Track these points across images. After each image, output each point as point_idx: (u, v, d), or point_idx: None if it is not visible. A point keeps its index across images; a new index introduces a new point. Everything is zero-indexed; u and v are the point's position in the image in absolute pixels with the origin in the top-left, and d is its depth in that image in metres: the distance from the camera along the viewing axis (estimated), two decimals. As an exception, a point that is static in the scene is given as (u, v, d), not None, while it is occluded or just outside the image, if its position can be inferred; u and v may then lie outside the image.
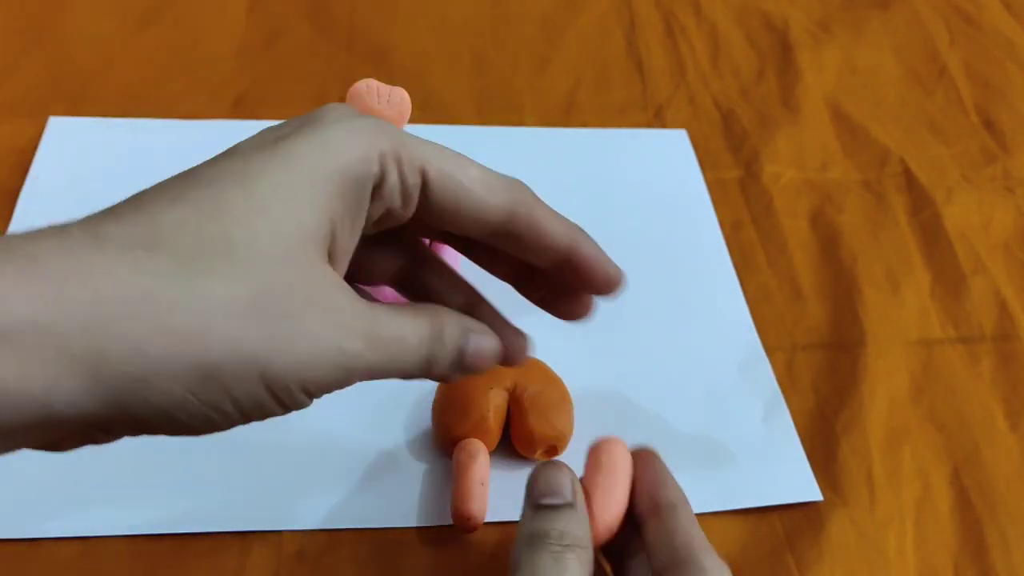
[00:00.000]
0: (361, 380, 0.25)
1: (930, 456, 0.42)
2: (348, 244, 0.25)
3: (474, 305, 0.30)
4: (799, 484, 0.40)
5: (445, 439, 0.39)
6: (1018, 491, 0.41)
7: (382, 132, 0.25)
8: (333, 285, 0.24)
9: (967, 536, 0.39)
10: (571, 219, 0.55)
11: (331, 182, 0.24)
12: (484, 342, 0.28)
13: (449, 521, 0.37)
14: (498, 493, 0.38)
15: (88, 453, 0.38)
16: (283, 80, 0.58)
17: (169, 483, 0.38)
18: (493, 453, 0.39)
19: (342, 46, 0.61)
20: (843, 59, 0.63)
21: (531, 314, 0.46)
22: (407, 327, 0.26)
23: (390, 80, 0.37)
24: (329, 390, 0.25)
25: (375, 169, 0.24)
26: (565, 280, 0.29)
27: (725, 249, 0.50)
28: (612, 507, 0.32)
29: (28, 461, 0.38)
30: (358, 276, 0.28)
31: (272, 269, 0.22)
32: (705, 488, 0.39)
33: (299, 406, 0.24)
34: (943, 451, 0.42)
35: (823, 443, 0.42)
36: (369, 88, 0.37)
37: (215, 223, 0.22)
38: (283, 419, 0.43)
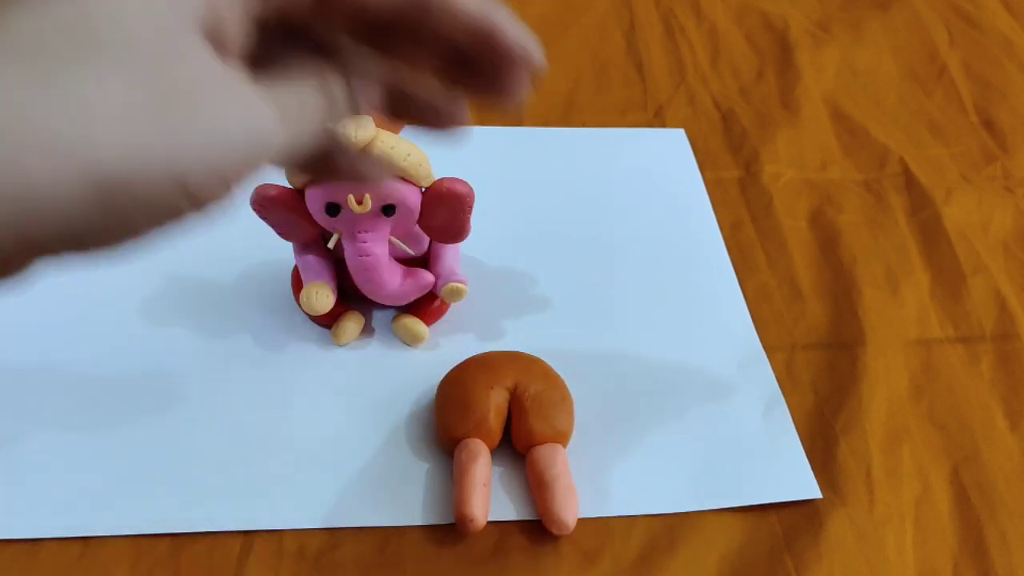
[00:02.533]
0: (276, 158, 0.23)
1: (929, 456, 0.42)
2: (236, 30, 0.23)
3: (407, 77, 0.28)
4: (798, 482, 0.40)
5: (446, 438, 0.39)
6: (1018, 491, 0.41)
7: None
8: (226, 66, 0.22)
9: (967, 536, 0.39)
10: (571, 219, 0.55)
11: None
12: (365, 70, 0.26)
13: (450, 520, 0.37)
14: (498, 492, 0.38)
15: (88, 453, 0.38)
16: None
17: (169, 483, 0.38)
18: (494, 452, 0.39)
19: (342, 46, 0.61)
20: (843, 59, 0.63)
21: (532, 313, 0.46)
22: (301, 89, 0.24)
23: (390, 80, 0.37)
24: (246, 179, 0.22)
25: None
26: (485, 61, 0.27)
27: (724, 249, 0.50)
28: None
29: (28, 461, 0.38)
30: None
31: (155, 59, 0.20)
32: (705, 486, 0.39)
33: (218, 203, 0.22)
34: (942, 451, 0.42)
35: (822, 442, 0.42)
36: (369, 88, 0.37)
37: (82, 23, 0.20)
38: (283, 418, 0.43)
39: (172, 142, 0.20)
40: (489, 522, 0.37)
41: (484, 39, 0.26)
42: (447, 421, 0.39)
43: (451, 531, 0.37)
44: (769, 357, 0.45)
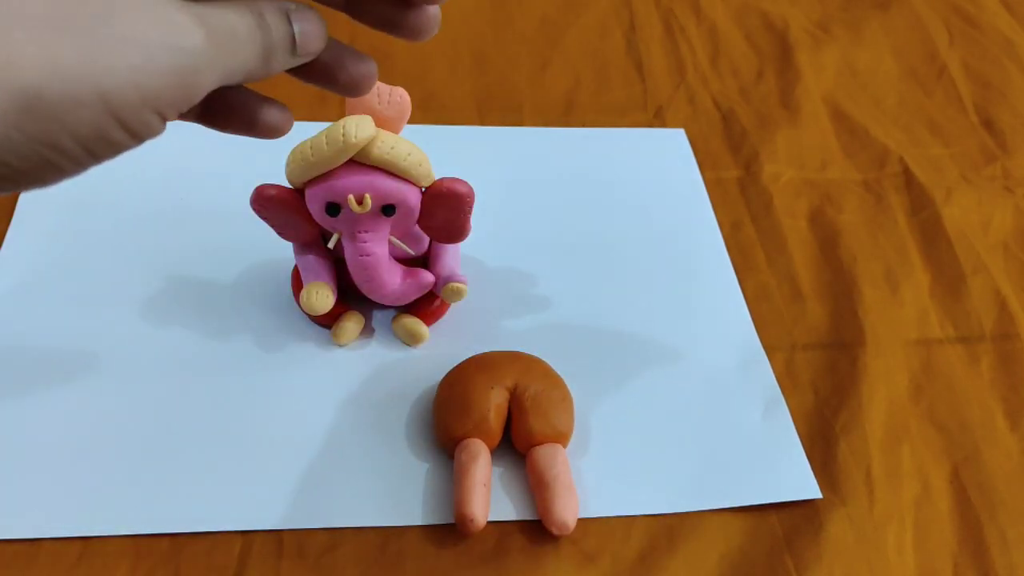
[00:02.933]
0: (208, 86, 0.23)
1: (929, 456, 0.42)
2: None
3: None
4: (798, 482, 0.40)
5: (446, 438, 0.39)
6: (1018, 491, 0.41)
7: None
8: None
9: (967, 536, 0.39)
10: (571, 219, 0.55)
11: None
12: (308, 20, 0.27)
13: (450, 520, 0.37)
14: (498, 492, 0.38)
15: (88, 452, 0.38)
16: (283, 80, 0.58)
17: (169, 483, 0.38)
18: (494, 452, 0.39)
19: (342, 46, 0.61)
20: (843, 59, 0.63)
21: (532, 313, 0.46)
22: (232, 17, 0.23)
23: (390, 80, 0.37)
24: (178, 107, 0.22)
25: None
26: None
27: (724, 249, 0.50)
28: None
29: (28, 460, 0.38)
30: None
31: None
32: (704, 486, 0.39)
33: (151, 131, 0.22)
34: (942, 451, 0.42)
35: (822, 442, 0.42)
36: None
37: None
38: (283, 418, 0.43)
39: (88, 54, 0.19)
40: (489, 522, 0.37)
41: None
42: (447, 421, 0.39)
43: (451, 531, 0.37)
44: (769, 357, 0.45)
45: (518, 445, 0.39)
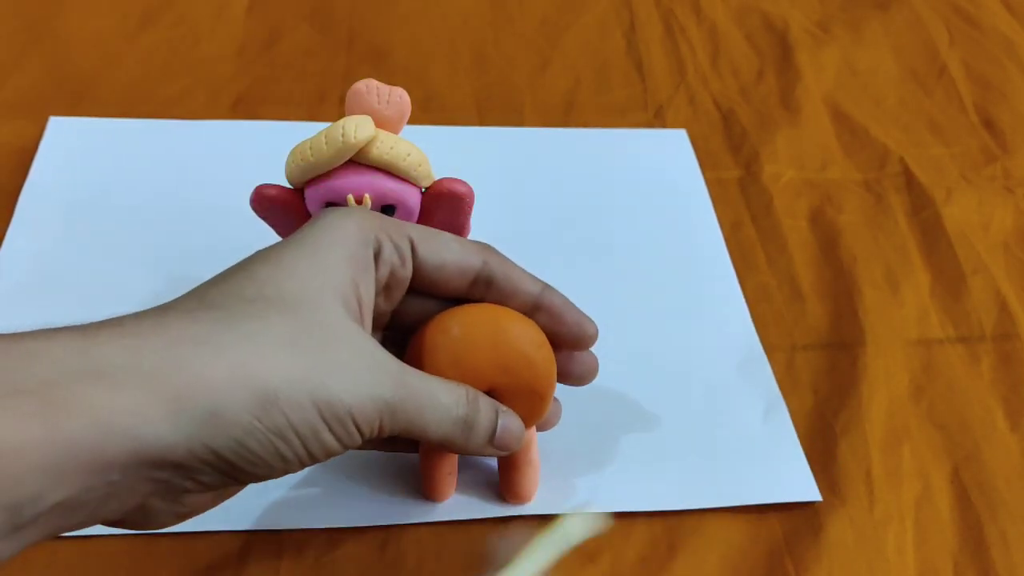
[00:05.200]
0: (402, 429, 0.29)
1: (930, 456, 0.42)
2: (368, 300, 0.30)
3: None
4: (798, 484, 0.40)
5: None
6: (1018, 491, 0.41)
7: (369, 215, 0.31)
8: (361, 331, 0.28)
9: (967, 536, 0.39)
10: (572, 219, 0.55)
11: (343, 248, 0.29)
12: (512, 421, 0.33)
13: (450, 518, 0.37)
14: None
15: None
16: (283, 80, 0.58)
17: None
18: None
19: (342, 46, 0.61)
20: (843, 59, 0.63)
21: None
22: (438, 387, 0.30)
23: (390, 80, 0.37)
24: (374, 429, 0.28)
25: (372, 236, 0.30)
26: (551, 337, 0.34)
27: (725, 249, 0.50)
28: None
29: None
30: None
31: (305, 312, 0.27)
32: (704, 487, 0.39)
33: (352, 441, 0.27)
34: (943, 451, 0.42)
35: (822, 443, 0.42)
36: (369, 88, 0.37)
37: (252, 286, 0.27)
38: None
39: (310, 371, 0.26)
40: (489, 519, 0.37)
41: (545, 316, 0.34)
42: None
43: (451, 531, 0.37)
44: (769, 357, 0.45)
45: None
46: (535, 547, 0.36)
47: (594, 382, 0.42)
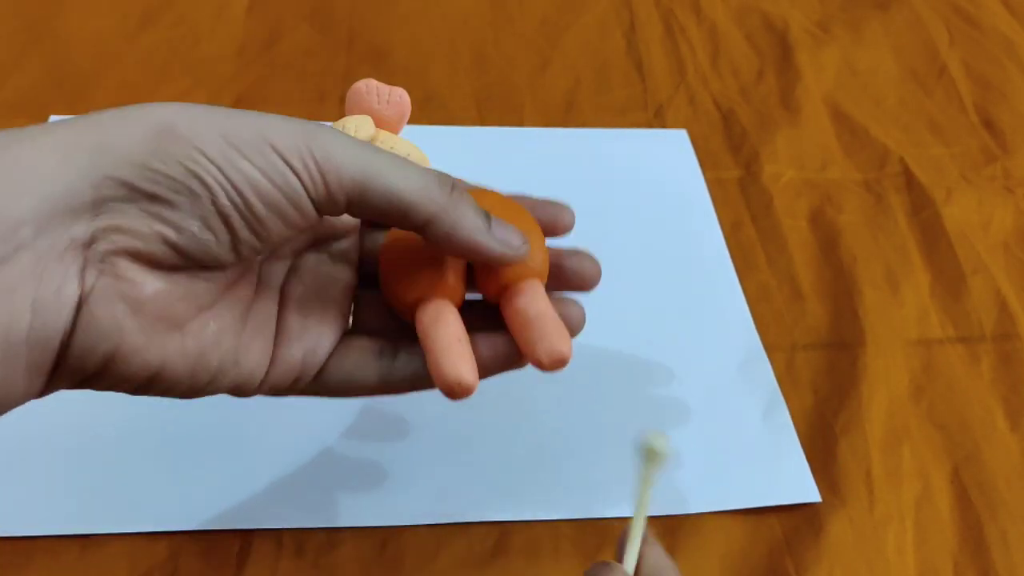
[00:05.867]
0: (355, 185, 0.26)
1: (930, 456, 0.42)
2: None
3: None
4: (798, 485, 0.40)
5: (399, 307, 0.31)
6: (1018, 491, 0.41)
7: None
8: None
9: (967, 536, 0.39)
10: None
11: None
12: (504, 223, 0.30)
13: (450, 520, 0.37)
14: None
15: (87, 450, 0.38)
16: (283, 80, 0.58)
17: (169, 482, 0.38)
18: (461, 311, 0.31)
19: (342, 46, 0.61)
20: (843, 59, 0.63)
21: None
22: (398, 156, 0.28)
23: (390, 80, 0.37)
24: (309, 166, 0.25)
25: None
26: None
27: (725, 249, 0.50)
28: None
29: (26, 458, 0.38)
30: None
31: None
32: (704, 488, 0.39)
33: (286, 181, 0.25)
34: (943, 451, 0.42)
35: (822, 443, 0.42)
36: (369, 88, 0.37)
37: None
38: (282, 418, 0.43)
39: (207, 110, 0.25)
40: (489, 522, 0.37)
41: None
42: (396, 289, 0.31)
43: (451, 531, 0.37)
44: (769, 357, 0.45)
45: (487, 292, 0.31)
46: (642, 483, 0.30)
47: (594, 383, 0.42)
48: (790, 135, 0.57)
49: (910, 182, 0.55)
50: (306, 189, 0.25)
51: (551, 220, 0.32)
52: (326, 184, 0.25)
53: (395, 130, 0.38)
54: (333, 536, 0.37)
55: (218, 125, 0.24)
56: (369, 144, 0.26)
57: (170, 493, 0.37)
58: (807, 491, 0.40)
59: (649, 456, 0.30)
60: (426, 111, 0.56)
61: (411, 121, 0.38)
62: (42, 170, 0.22)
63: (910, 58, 0.64)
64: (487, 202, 0.31)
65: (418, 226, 0.27)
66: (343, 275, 0.30)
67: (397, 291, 0.31)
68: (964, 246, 0.51)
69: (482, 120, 0.57)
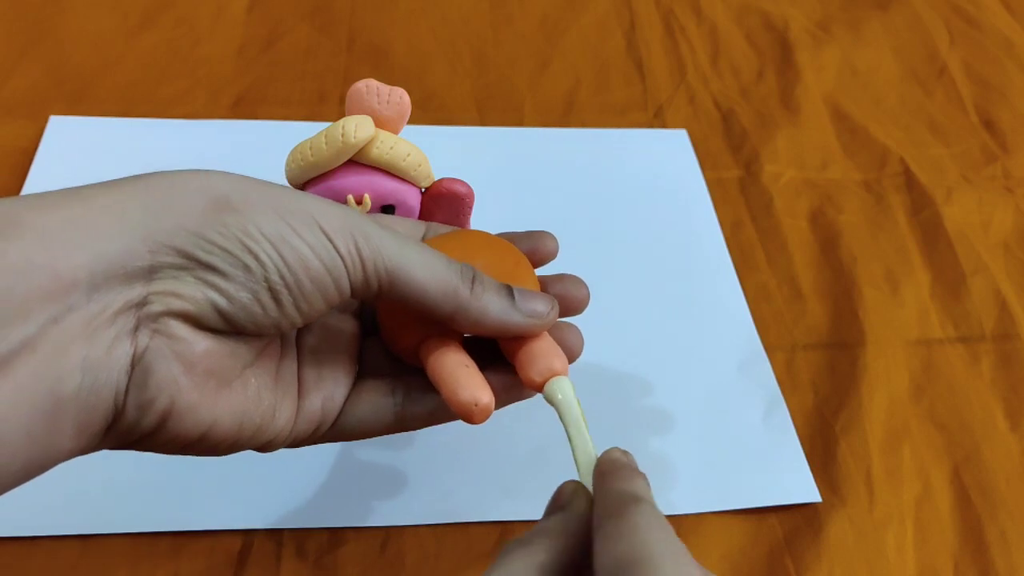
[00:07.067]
0: (385, 271, 0.27)
1: (930, 456, 0.42)
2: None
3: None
4: (798, 485, 0.40)
5: (400, 350, 0.32)
6: (1018, 491, 0.41)
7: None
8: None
9: (967, 535, 0.39)
10: (572, 219, 0.55)
11: None
12: (526, 289, 0.31)
13: (450, 520, 0.37)
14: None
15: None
16: (283, 80, 0.58)
17: (169, 482, 0.38)
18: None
19: (342, 46, 0.61)
20: (843, 59, 0.63)
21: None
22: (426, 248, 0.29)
23: (390, 80, 0.37)
24: (351, 249, 0.26)
25: None
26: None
27: (725, 249, 0.50)
28: None
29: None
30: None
31: None
32: (704, 488, 0.39)
33: (331, 258, 0.26)
34: (943, 450, 0.42)
35: (822, 443, 0.42)
36: (369, 88, 0.37)
37: None
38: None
39: (260, 184, 0.27)
40: (489, 522, 0.37)
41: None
42: (395, 336, 0.31)
43: (451, 531, 0.37)
44: (769, 357, 0.45)
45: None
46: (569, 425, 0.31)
47: (593, 383, 0.42)
48: (790, 135, 0.57)
49: (910, 182, 0.55)
50: (347, 271, 0.26)
51: (535, 250, 0.33)
52: (364, 269, 0.26)
53: (395, 130, 0.37)
54: (333, 536, 0.37)
55: (272, 201, 0.25)
56: (403, 236, 0.28)
57: (170, 493, 0.37)
58: (807, 491, 0.40)
59: (555, 402, 0.31)
60: (426, 111, 0.56)
61: (411, 121, 0.38)
62: (98, 230, 0.22)
63: (910, 58, 0.64)
64: (473, 243, 0.32)
65: (444, 319, 0.28)
66: (347, 325, 0.31)
67: (396, 338, 0.31)
68: (964, 246, 0.51)
69: (482, 120, 0.57)
